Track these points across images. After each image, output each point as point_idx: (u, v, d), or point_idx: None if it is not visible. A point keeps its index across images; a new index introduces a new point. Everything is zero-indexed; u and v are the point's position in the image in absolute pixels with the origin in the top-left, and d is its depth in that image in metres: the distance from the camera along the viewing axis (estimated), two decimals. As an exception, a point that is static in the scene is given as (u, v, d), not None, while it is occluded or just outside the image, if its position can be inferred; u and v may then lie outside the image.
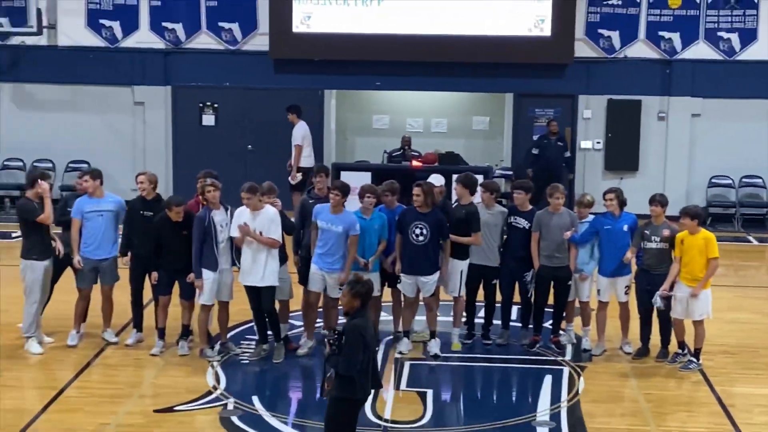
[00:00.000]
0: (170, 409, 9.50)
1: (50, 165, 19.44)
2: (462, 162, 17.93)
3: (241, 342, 11.27)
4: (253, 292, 10.28)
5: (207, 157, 18.72)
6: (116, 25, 19.75)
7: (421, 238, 10.62)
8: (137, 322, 11.21)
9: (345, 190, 10.44)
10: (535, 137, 19.48)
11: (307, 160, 17.52)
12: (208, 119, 20.16)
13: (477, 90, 19.92)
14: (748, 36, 19.23)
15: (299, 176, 17.14)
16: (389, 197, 10.89)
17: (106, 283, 11.02)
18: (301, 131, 17.52)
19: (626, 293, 10.96)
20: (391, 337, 11.38)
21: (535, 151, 18.77)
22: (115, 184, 15.27)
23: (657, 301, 10.53)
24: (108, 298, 11.13)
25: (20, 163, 19.69)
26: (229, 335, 11.16)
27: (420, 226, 10.61)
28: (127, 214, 10.91)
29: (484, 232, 10.88)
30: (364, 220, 10.64)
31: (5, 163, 19.73)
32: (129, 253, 10.84)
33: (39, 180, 10.42)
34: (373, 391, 7.70)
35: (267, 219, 10.20)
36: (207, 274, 10.32)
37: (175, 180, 19.64)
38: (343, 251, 10.43)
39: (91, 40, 19.74)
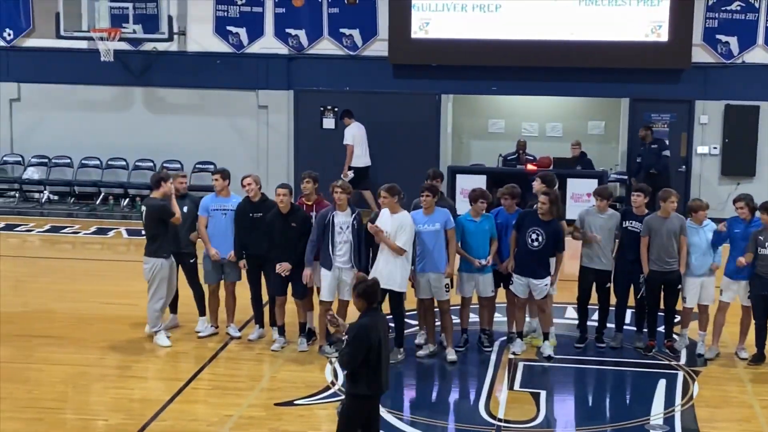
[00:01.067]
0: (290, 403, 9.56)
1: (178, 166, 19.59)
2: (590, 165, 18.38)
3: None
4: (391, 296, 10.20)
5: (327, 159, 18.76)
6: (242, 32, 20.00)
7: (536, 244, 10.55)
8: (258, 318, 11.30)
9: (434, 190, 10.46)
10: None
11: (359, 159, 18.12)
12: (329, 122, 20.15)
13: (592, 95, 19.72)
14: None
15: (350, 174, 17.43)
16: (509, 201, 10.83)
17: (230, 279, 11.13)
18: (351, 131, 18.05)
19: (748, 297, 10.79)
20: (505, 337, 11.29)
21: (638, 160, 18.50)
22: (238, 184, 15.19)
23: None
24: (231, 294, 11.21)
25: (150, 164, 19.95)
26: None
27: (537, 232, 10.55)
28: (237, 217, 10.85)
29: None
30: (473, 222, 10.66)
31: (137, 163, 20.01)
32: (244, 256, 10.87)
33: (164, 181, 10.60)
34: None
35: (397, 223, 10.10)
36: (323, 272, 10.36)
37: (296, 181, 18.59)
38: (442, 249, 10.36)
39: (219, 46, 20.00)
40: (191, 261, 11.24)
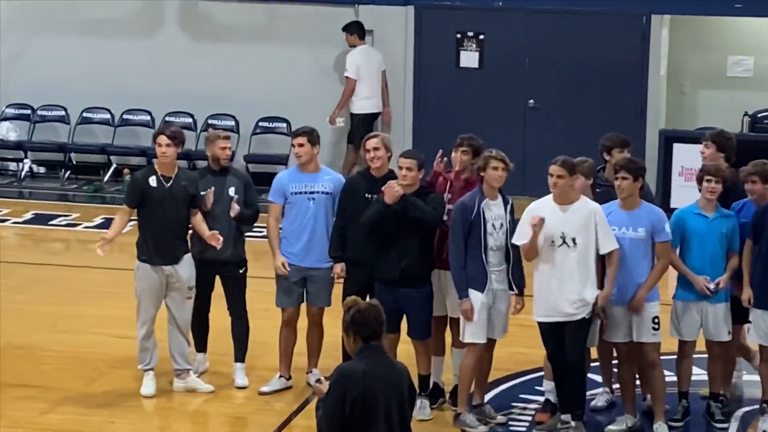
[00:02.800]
0: None
1: (231, 124, 18.74)
2: None
3: (513, 405, 11.12)
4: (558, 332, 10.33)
5: (465, 113, 18.25)
6: None
7: None
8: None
9: (637, 170, 10.30)
10: None
11: (368, 103, 17.91)
12: (469, 58, 18.93)
13: None
14: None
15: (341, 122, 17.73)
16: (758, 185, 10.38)
17: (317, 303, 11.07)
18: (354, 59, 17.87)
19: None
20: (755, 407, 10.94)
21: None
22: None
23: None
24: (317, 326, 11.13)
25: (188, 119, 19.11)
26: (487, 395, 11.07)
27: None
28: (345, 198, 10.88)
29: None
30: (704, 218, 10.49)
31: (168, 119, 19.07)
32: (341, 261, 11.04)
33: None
34: None
35: (582, 219, 9.99)
36: (474, 295, 10.16)
37: (416, 145, 18.06)
38: (647, 265, 10.36)
39: None
40: (240, 271, 11.14)
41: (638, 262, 10.17)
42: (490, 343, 10.34)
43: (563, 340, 10.26)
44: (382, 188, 10.33)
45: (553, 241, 9.82)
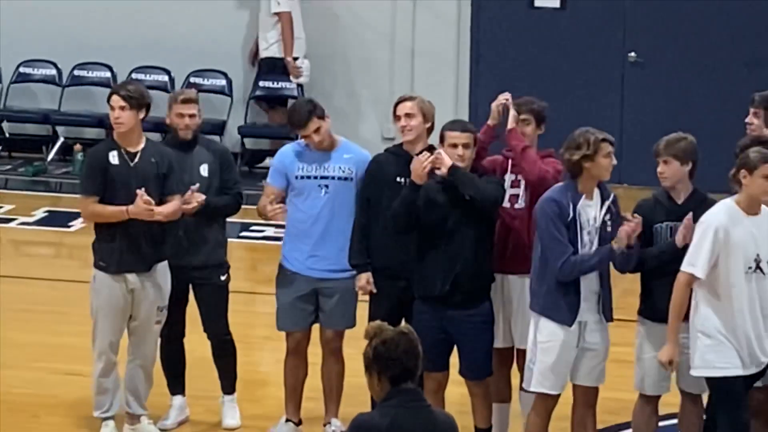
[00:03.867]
0: None
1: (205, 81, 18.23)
2: None
3: None
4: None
5: (541, 69, 17.55)
6: None
7: None
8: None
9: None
10: None
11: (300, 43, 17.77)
12: None
13: None
14: None
15: (304, 69, 17.39)
16: None
17: (333, 326, 10.48)
18: None
19: None
20: None
21: None
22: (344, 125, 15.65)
23: None
24: (335, 355, 10.53)
25: (163, 76, 18.28)
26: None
27: None
28: (367, 185, 10.42)
29: None
30: None
31: (135, 75, 18.11)
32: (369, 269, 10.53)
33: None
34: None
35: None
36: (554, 331, 9.50)
37: (473, 111, 17.51)
38: None
39: None
40: (221, 278, 10.50)
41: None
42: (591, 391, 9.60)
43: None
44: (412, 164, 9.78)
45: (750, 267, 8.90)
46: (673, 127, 9.83)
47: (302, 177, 10.21)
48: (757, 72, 17.90)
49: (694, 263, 8.93)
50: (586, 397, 9.49)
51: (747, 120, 10.64)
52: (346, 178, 10.20)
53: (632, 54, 17.77)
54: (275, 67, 17.56)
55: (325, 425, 10.37)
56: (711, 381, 9.23)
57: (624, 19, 18.16)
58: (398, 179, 9.84)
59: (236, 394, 10.57)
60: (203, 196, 10.15)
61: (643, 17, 18.12)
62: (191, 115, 10.28)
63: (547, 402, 9.34)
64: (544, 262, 9.18)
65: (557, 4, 18.07)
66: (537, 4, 18.26)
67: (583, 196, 9.26)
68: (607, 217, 9.40)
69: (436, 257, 9.57)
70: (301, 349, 10.43)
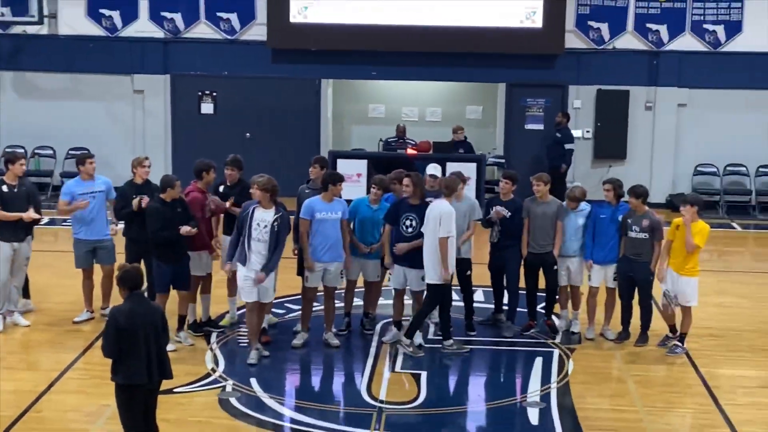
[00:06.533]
0: (170, 391, 11.28)
1: (51, 152, 24.49)
2: (472, 150, 23.75)
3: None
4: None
5: (205, 144, 23.67)
6: (116, 15, 25.23)
7: (410, 230, 12.97)
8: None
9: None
10: (528, 126, 26.07)
11: None
12: (207, 107, 25.36)
13: (470, 80, 25.73)
14: (733, 28, 25.49)
15: None
16: (398, 186, 13.36)
17: (107, 262, 14.22)
18: None
19: (614, 279, 13.86)
20: (388, 321, 14.20)
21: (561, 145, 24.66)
22: (112, 170, 18.66)
23: (673, 299, 13.59)
24: (108, 277, 13.82)
25: (22, 150, 22.92)
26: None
27: (410, 217, 12.91)
28: (122, 200, 13.65)
29: (460, 224, 13.35)
30: (371, 209, 13.40)
31: (6, 150, 22.53)
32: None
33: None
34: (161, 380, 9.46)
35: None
36: (240, 269, 12.60)
37: (175, 167, 24.42)
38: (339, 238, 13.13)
39: (92, 29, 25.33)
40: None
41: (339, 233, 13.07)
42: (260, 305, 12.89)
43: None
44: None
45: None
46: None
47: (82, 194, 13.50)
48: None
49: None
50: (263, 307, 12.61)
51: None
52: (102, 191, 13.52)
53: (248, 134, 24.92)
54: None
55: (102, 308, 13.73)
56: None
57: (241, 117, 25.20)
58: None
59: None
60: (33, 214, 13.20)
61: (252, 115, 25.16)
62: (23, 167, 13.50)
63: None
64: None
65: (212, 112, 25.04)
66: (202, 112, 25.13)
67: (260, 208, 12.15)
68: (268, 223, 12.13)
69: None
70: (90, 274, 13.74)
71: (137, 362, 8.87)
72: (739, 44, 25.63)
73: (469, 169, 20.40)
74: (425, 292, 13.10)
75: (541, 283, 14.27)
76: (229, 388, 11.94)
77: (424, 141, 23.86)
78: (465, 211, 13.54)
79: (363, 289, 14.45)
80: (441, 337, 13.50)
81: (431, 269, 12.74)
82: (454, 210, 12.92)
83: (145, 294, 10.49)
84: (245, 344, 13.26)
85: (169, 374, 9.39)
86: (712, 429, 11.50)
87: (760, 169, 26.20)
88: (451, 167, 18.34)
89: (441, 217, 12.52)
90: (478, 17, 25.04)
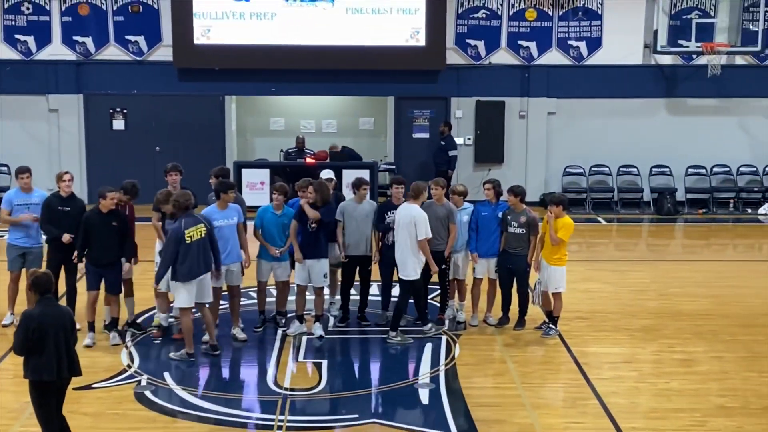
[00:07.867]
0: (89, 387, 11.64)
1: None
2: (356, 157, 25.13)
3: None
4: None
5: (118, 158, 25.01)
6: (30, 39, 25.98)
7: (314, 225, 13.81)
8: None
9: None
10: (415, 135, 27.69)
11: None
12: (119, 124, 26.08)
13: (362, 94, 27.19)
14: (594, 44, 27.37)
15: None
16: (302, 192, 14.08)
17: (35, 267, 13.56)
18: None
19: (496, 271, 14.55)
20: (294, 314, 14.74)
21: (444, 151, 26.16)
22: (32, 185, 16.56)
23: (536, 297, 14.56)
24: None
25: None
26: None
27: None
28: (47, 210, 13.79)
29: (355, 226, 14.27)
30: (275, 215, 13.91)
31: None
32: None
33: None
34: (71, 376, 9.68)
35: None
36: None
37: (89, 180, 25.51)
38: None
39: (8, 53, 26.05)
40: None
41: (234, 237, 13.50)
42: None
43: None
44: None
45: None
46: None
47: (19, 204, 13.60)
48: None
49: None
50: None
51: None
52: (38, 204, 13.52)
53: (157, 148, 25.30)
54: None
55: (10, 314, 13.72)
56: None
57: (151, 133, 25.56)
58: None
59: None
60: None
61: (162, 132, 25.49)
62: None
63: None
64: None
65: (123, 128, 25.50)
66: (114, 128, 25.62)
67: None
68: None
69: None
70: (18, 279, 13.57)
71: (47, 360, 9.23)
72: (599, 58, 27.32)
73: (363, 176, 18.12)
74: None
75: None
76: (144, 382, 12.35)
77: (322, 150, 25.40)
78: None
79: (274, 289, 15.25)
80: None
81: (406, 266, 13.68)
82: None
83: (64, 298, 11.17)
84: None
85: (78, 372, 9.74)
86: (582, 401, 12.24)
87: (621, 169, 27.78)
88: (348, 174, 20.79)
89: (415, 221, 13.48)
90: (367, 37, 26.17)
